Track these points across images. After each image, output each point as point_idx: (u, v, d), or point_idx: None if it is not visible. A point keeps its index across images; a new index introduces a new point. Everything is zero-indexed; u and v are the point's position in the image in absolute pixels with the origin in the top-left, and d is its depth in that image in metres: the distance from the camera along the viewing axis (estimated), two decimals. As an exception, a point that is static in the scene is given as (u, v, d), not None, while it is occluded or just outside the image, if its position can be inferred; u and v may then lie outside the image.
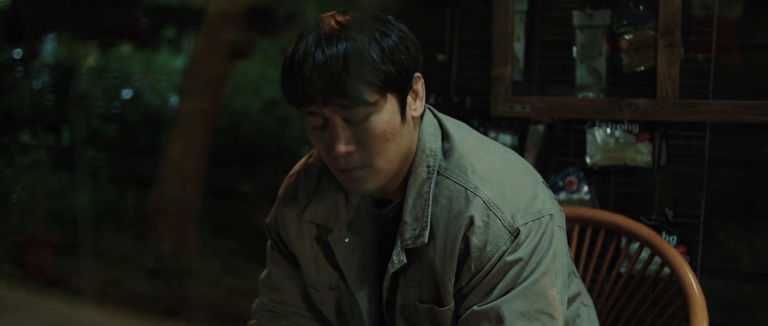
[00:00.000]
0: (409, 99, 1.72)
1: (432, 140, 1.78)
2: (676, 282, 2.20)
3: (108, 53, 7.58)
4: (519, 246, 1.69)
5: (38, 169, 6.11)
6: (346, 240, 1.84)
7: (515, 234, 1.70)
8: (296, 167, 2.00)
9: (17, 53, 7.27)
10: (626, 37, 2.77)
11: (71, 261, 5.67)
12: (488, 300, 1.70)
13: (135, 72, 7.92)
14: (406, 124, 1.72)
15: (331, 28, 1.65)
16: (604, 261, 2.48)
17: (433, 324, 1.80)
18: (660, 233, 2.63)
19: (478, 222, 1.70)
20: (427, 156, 1.76)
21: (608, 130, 2.80)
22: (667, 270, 2.25)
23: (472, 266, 1.71)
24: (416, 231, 1.74)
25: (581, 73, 2.86)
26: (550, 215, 1.76)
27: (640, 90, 2.75)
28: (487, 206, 1.71)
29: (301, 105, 1.66)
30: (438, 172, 1.75)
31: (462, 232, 1.71)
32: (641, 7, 2.76)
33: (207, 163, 6.09)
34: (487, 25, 2.96)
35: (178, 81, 7.42)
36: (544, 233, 1.73)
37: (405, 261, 1.76)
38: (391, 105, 1.66)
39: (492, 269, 1.70)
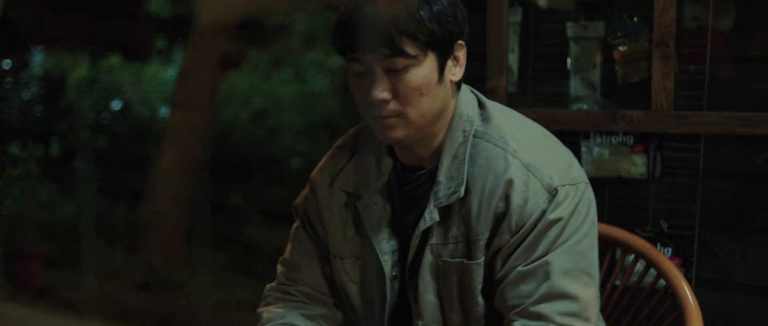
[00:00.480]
0: (450, 63, 1.80)
1: (469, 107, 1.85)
2: (671, 295, 2.20)
3: (97, 64, 7.56)
4: (558, 205, 1.76)
5: (28, 181, 6.08)
6: (375, 206, 1.90)
7: (553, 193, 1.76)
8: (329, 151, 2.08)
9: (6, 64, 7.25)
10: (620, 48, 2.77)
11: (61, 274, 5.64)
12: (532, 259, 1.76)
13: (124, 83, 7.91)
14: (442, 85, 1.79)
15: None
16: (599, 273, 2.47)
17: (461, 279, 1.84)
18: (655, 245, 2.63)
19: (517, 181, 1.76)
20: (464, 121, 1.84)
21: (602, 141, 2.80)
22: (662, 282, 2.25)
23: (513, 224, 1.76)
24: (450, 189, 1.80)
25: (575, 85, 2.86)
26: (586, 183, 1.84)
27: (635, 101, 2.75)
28: (526, 167, 1.77)
29: (346, 51, 1.75)
30: (474, 136, 1.82)
31: (501, 190, 1.77)
32: (635, 19, 2.76)
33: (197, 175, 6.07)
34: (481, 37, 2.96)
35: (168, 92, 7.41)
36: (581, 198, 1.80)
37: (437, 218, 1.81)
38: (430, 62, 1.74)
39: (533, 228, 1.76)
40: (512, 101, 2.94)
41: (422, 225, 1.82)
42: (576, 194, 1.80)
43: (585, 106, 2.83)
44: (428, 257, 1.85)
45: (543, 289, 1.74)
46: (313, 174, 2.06)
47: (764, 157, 2.62)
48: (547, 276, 1.74)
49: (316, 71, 8.55)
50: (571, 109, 2.85)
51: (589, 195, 1.84)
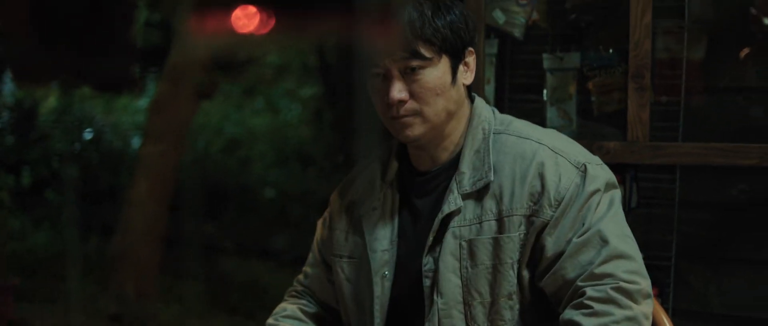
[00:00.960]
0: (461, 68, 1.92)
1: (486, 111, 1.97)
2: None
3: (69, 93, 7.52)
4: (593, 178, 1.85)
5: (-1, 211, 6.03)
6: (375, 209, 2.00)
7: (583, 169, 1.85)
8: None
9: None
10: (596, 79, 2.79)
11: (33, 306, 5.58)
12: (583, 230, 1.81)
13: (96, 113, 7.86)
14: (456, 88, 1.91)
15: None
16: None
17: (494, 254, 1.88)
18: (632, 275, 2.63)
19: (548, 162, 1.86)
20: (483, 121, 1.95)
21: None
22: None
23: (551, 198, 1.83)
24: (476, 177, 1.90)
25: (552, 116, 2.88)
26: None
27: (611, 132, 2.77)
28: (554, 151, 1.88)
29: (367, 60, 1.88)
30: (495, 133, 1.93)
31: (533, 171, 1.86)
32: (611, 51, 2.78)
33: (170, 205, 6.04)
34: (457, 68, 2.97)
35: (141, 122, 7.38)
36: (608, 175, 1.90)
37: (461, 204, 1.89)
38: (444, 65, 1.87)
39: (574, 201, 1.83)
40: (489, 132, 2.95)
41: (446, 210, 1.90)
42: (603, 169, 1.91)
43: (561, 137, 2.84)
44: (450, 240, 1.90)
45: (604, 253, 1.79)
46: (332, 195, 2.18)
47: (739, 187, 2.64)
48: (603, 241, 1.80)
49: (289, 101, 8.55)
50: (548, 140, 2.86)
51: (611, 174, 1.94)
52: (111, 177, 7.45)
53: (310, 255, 2.22)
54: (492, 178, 1.88)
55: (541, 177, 1.85)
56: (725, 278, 2.66)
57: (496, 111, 2.01)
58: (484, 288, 1.89)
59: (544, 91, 2.89)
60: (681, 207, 2.69)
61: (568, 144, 1.94)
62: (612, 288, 1.76)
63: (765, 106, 2.69)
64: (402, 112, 1.87)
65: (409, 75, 1.86)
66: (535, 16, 2.91)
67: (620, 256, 1.79)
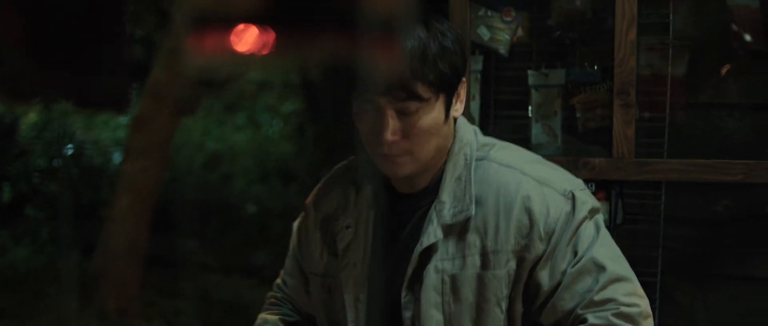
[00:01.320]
0: (453, 99, 1.82)
1: (468, 134, 1.88)
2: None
3: (49, 109, 7.48)
4: (581, 204, 1.79)
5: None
6: (348, 228, 1.92)
7: (571, 197, 1.79)
8: (323, 179, 2.10)
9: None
10: (581, 96, 2.80)
11: (13, 323, 5.54)
12: (577, 259, 1.77)
13: (77, 129, 7.83)
14: (448, 123, 1.82)
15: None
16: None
17: (477, 291, 1.83)
18: (618, 292, 2.64)
19: (534, 195, 1.79)
20: (465, 145, 1.86)
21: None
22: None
23: (541, 232, 1.78)
24: (457, 208, 1.81)
25: (537, 132, 2.88)
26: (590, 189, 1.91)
27: (596, 149, 2.78)
28: (538, 181, 1.81)
29: (360, 92, 1.75)
30: (478, 159, 1.85)
31: (519, 206, 1.79)
32: (596, 67, 2.79)
33: (151, 222, 6.01)
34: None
35: (121, 138, 7.35)
36: (593, 200, 1.85)
37: (441, 236, 1.81)
38: (440, 103, 1.77)
39: (564, 231, 1.78)
40: (474, 148, 2.95)
41: (425, 242, 1.82)
42: (588, 196, 1.85)
43: (547, 154, 2.85)
44: (432, 274, 1.83)
45: (602, 279, 1.76)
46: (307, 199, 2.09)
47: (724, 203, 2.65)
48: (600, 267, 1.76)
49: (270, 116, 8.54)
50: (533, 157, 2.86)
51: (595, 200, 1.90)
52: (92, 193, 7.42)
53: (288, 262, 2.15)
54: (473, 212, 1.81)
55: (529, 211, 1.79)
56: (711, 294, 2.67)
57: (479, 132, 1.94)
58: (468, 325, 1.85)
59: (529, 108, 2.89)
60: (666, 223, 2.70)
61: (552, 171, 1.89)
62: (613, 314, 1.73)
63: (748, 122, 2.70)
64: (394, 151, 1.77)
65: (403, 114, 1.75)
66: (519, 32, 2.92)
67: (618, 279, 1.77)
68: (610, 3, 2.72)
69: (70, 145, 7.77)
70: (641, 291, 1.81)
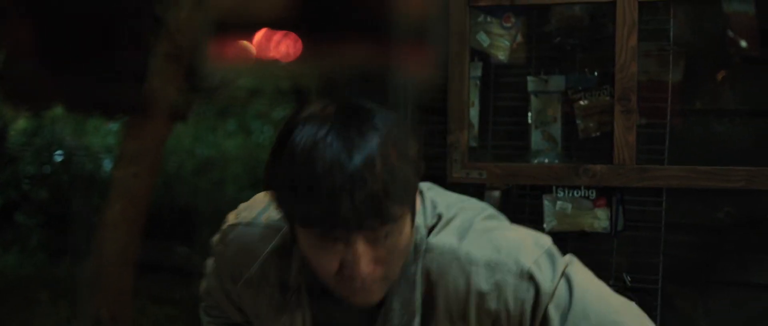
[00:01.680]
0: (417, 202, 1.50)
1: (418, 217, 1.53)
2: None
3: (39, 115, 7.45)
4: (541, 284, 1.47)
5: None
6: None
7: (529, 277, 1.47)
8: (248, 231, 1.71)
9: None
10: (581, 102, 2.79)
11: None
12: None
13: (67, 134, 7.80)
14: (412, 232, 1.49)
15: (346, 128, 1.36)
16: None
17: None
18: (619, 299, 2.63)
19: (487, 288, 1.47)
20: (414, 231, 1.51)
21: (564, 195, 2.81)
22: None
23: None
24: (405, 318, 1.51)
25: (536, 139, 2.87)
26: (551, 244, 1.55)
27: (596, 155, 2.77)
28: (489, 266, 1.48)
29: (322, 228, 1.37)
30: (426, 251, 1.52)
31: (474, 307, 1.48)
32: (596, 73, 2.78)
33: (143, 228, 5.98)
34: (442, 91, 2.96)
35: (112, 144, 7.31)
36: (556, 258, 1.52)
37: None
38: (408, 217, 1.42)
39: (532, 319, 1.48)
40: (473, 156, 2.94)
41: None
42: (550, 257, 1.51)
43: (546, 160, 2.84)
44: None
45: None
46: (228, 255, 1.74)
47: (725, 209, 2.64)
48: None
49: (261, 123, 8.53)
50: (533, 163, 2.86)
51: (558, 253, 1.55)
52: (82, 200, 7.38)
53: (210, 289, 1.86)
54: (418, 325, 1.50)
55: (486, 312, 1.48)
56: (711, 300, 2.66)
57: (427, 198, 1.57)
58: None
59: (529, 114, 2.88)
60: (668, 229, 2.69)
61: (502, 241, 1.51)
62: None
63: (749, 129, 2.70)
64: (368, 283, 1.42)
65: (375, 241, 1.38)
66: (519, 38, 2.91)
67: None
68: (609, 9, 2.71)
69: (59, 151, 7.73)
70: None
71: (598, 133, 2.77)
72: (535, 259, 1.48)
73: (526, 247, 1.50)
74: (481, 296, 1.47)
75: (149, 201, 6.05)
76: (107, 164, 7.53)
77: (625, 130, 2.68)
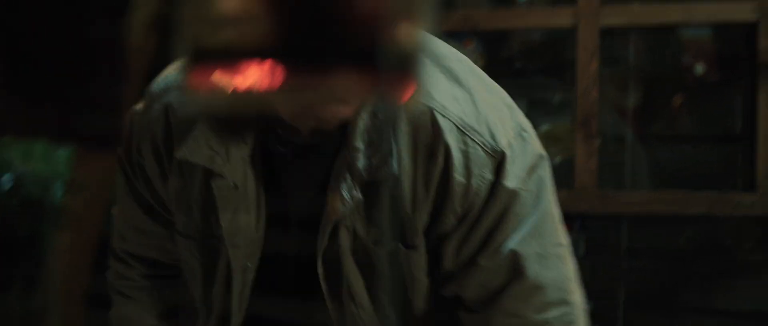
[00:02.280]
0: None
1: None
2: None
3: (-13, 142, 7.32)
4: (509, 172, 1.35)
5: None
6: (234, 186, 1.41)
7: (500, 158, 1.34)
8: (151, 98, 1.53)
9: None
10: (543, 128, 2.77)
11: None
12: (493, 248, 1.37)
13: (15, 159, 7.66)
14: None
15: None
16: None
17: (395, 269, 1.42)
18: (581, 325, 2.62)
19: (455, 153, 1.33)
20: None
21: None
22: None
23: (456, 205, 1.36)
24: (375, 160, 1.32)
25: (497, 164, 2.86)
26: (532, 130, 1.45)
27: (558, 180, 2.75)
28: (461, 130, 1.34)
29: None
30: None
31: (440, 167, 1.34)
32: (557, 98, 2.77)
33: (95, 258, 5.88)
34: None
35: (61, 171, 7.19)
36: (532, 152, 1.41)
37: (361, 198, 1.34)
38: None
39: (484, 208, 1.36)
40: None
41: (343, 209, 1.35)
42: (525, 147, 1.39)
43: (507, 186, 2.83)
44: (345, 241, 1.39)
45: (515, 286, 1.38)
46: (137, 122, 1.54)
47: (687, 235, 2.64)
48: (518, 272, 1.37)
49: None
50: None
51: (539, 146, 1.45)
52: (30, 227, 7.25)
53: (123, 213, 1.68)
54: (396, 169, 1.32)
55: (448, 177, 1.34)
56: (673, 326, 2.66)
57: None
58: (395, 306, 1.45)
59: (490, 139, 2.87)
60: (629, 255, 2.68)
61: (482, 106, 1.38)
62: None
63: (712, 154, 2.70)
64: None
65: None
66: (479, 63, 2.89)
67: (536, 289, 1.39)
68: (570, 34, 2.71)
69: (8, 176, 7.60)
70: (571, 297, 1.46)
71: (559, 158, 2.76)
72: (510, 142, 1.37)
73: (506, 122, 1.39)
74: (448, 155, 1.33)
75: (100, 230, 5.95)
76: (57, 189, 7.41)
77: (586, 155, 2.67)
